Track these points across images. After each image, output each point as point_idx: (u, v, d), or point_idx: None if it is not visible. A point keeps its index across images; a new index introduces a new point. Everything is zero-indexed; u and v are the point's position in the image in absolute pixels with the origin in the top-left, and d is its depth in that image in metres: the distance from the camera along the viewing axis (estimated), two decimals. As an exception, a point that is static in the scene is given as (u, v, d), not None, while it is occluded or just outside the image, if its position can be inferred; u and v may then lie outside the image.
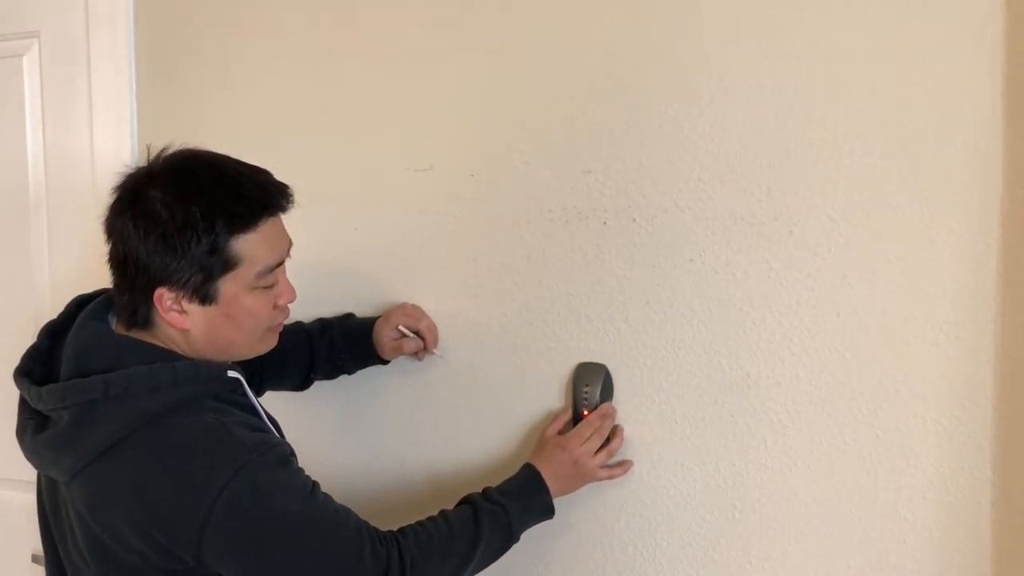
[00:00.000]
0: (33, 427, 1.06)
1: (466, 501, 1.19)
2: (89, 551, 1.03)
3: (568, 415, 1.31)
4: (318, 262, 1.46)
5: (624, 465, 1.30)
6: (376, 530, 1.07)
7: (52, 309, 1.64)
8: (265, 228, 1.05)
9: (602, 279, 1.30)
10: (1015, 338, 1.11)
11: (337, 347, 1.37)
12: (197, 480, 0.97)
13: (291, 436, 1.16)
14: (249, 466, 0.98)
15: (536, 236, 1.33)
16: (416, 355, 1.38)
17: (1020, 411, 1.12)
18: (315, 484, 1.05)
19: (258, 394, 1.35)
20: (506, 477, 1.24)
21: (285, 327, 1.28)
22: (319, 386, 1.42)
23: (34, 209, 1.71)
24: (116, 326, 1.08)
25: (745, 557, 1.26)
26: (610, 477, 1.29)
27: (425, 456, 1.44)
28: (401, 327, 1.35)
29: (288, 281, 1.11)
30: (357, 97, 1.43)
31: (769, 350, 1.22)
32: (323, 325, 1.40)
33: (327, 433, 1.50)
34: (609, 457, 1.28)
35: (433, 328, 1.37)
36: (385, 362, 1.39)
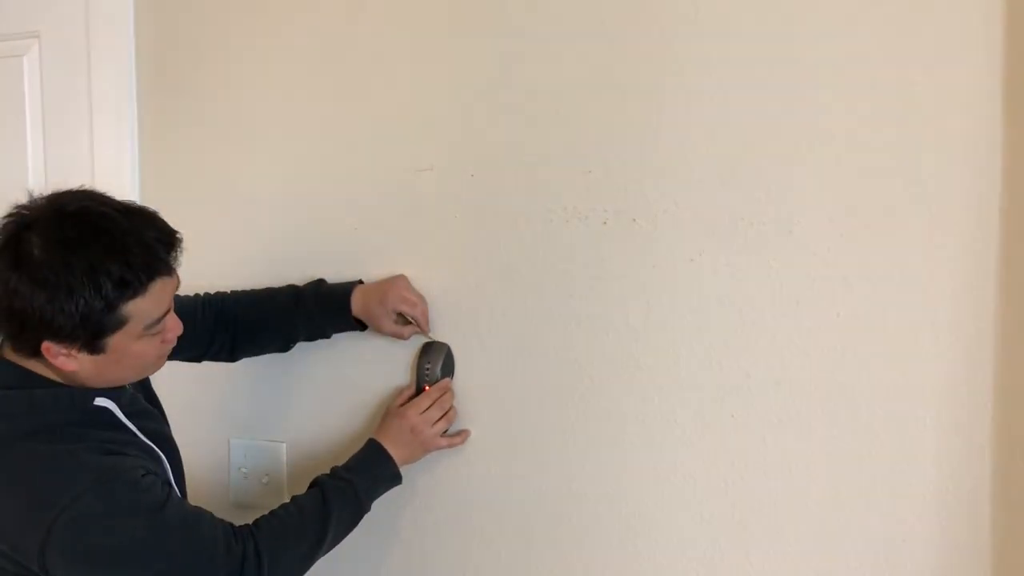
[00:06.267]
0: None
1: (314, 483, 1.25)
2: None
3: (412, 390, 1.38)
4: (318, 262, 1.47)
5: (463, 434, 1.38)
6: (232, 527, 1.11)
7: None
8: (154, 289, 1.05)
9: (602, 279, 1.30)
10: (1015, 338, 1.11)
11: (314, 318, 1.40)
12: (37, 502, 1.00)
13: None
14: (89, 492, 1.00)
15: (536, 236, 1.33)
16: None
17: (1020, 411, 1.12)
18: (168, 496, 1.07)
19: (232, 359, 1.43)
20: None
21: (257, 295, 1.39)
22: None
23: (34, 209, 1.71)
24: (4, 344, 1.09)
25: (745, 557, 1.26)
26: (450, 446, 1.37)
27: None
28: (405, 314, 1.36)
29: (175, 317, 1.12)
30: (357, 98, 1.43)
31: (769, 350, 1.22)
32: (297, 297, 1.40)
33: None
34: (448, 425, 1.36)
35: (427, 313, 1.39)
36: (364, 328, 1.40)
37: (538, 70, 1.31)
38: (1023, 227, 1.10)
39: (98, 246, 1.01)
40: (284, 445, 1.52)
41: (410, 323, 1.37)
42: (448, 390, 1.37)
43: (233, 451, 1.56)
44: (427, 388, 1.36)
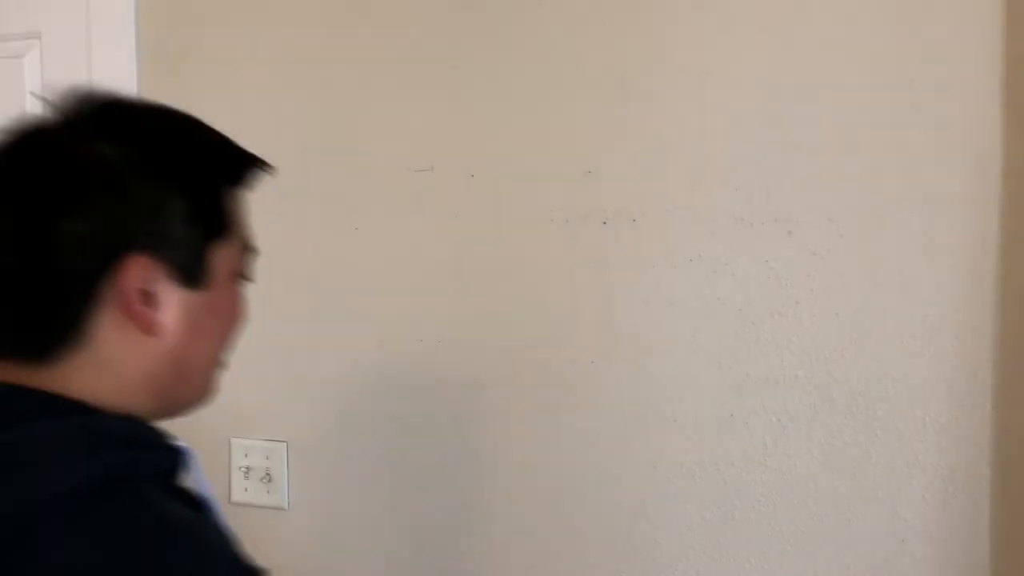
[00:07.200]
0: None
1: None
2: None
3: None
4: (318, 261, 1.47)
5: None
6: None
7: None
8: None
9: (602, 279, 1.30)
10: (1014, 338, 1.11)
11: None
12: None
13: None
14: None
15: (536, 236, 1.33)
16: None
17: (1019, 411, 1.12)
18: None
19: None
20: None
21: None
22: None
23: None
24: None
25: (745, 557, 1.26)
26: None
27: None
28: None
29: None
30: (358, 97, 1.44)
31: (769, 350, 1.22)
32: None
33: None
34: None
35: None
36: None
37: (538, 70, 1.32)
38: (1023, 227, 1.10)
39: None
40: (285, 445, 1.53)
41: None
42: None
43: (233, 451, 1.56)
44: None
